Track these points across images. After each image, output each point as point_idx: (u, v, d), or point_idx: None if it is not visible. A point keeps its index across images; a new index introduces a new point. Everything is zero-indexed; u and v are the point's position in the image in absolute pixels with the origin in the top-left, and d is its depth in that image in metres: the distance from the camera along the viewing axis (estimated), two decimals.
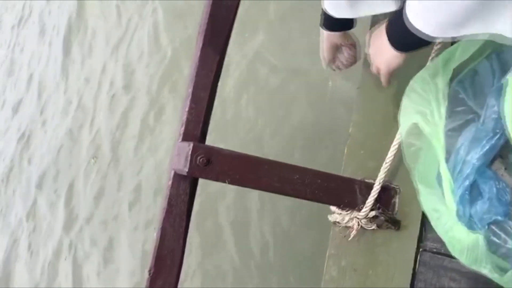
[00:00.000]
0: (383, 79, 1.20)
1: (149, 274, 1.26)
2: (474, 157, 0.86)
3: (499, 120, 0.86)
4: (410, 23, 0.90)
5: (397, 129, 1.37)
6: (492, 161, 0.91)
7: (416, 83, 1.00)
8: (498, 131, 0.87)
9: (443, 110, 0.97)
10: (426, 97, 0.96)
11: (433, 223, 1.00)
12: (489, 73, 0.97)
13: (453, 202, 0.90)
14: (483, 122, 0.90)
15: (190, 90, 1.29)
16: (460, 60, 0.99)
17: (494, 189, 0.83)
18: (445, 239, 0.94)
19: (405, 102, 1.04)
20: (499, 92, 0.85)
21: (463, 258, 0.89)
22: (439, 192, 0.97)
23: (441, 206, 0.96)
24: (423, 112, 0.96)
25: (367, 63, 1.53)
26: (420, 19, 0.88)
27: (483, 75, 0.98)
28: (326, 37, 1.38)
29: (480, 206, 0.84)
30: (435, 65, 1.01)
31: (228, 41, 1.32)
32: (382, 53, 1.12)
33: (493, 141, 0.87)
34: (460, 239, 0.88)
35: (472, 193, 0.86)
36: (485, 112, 0.90)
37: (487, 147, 0.87)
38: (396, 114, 1.38)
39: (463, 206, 0.86)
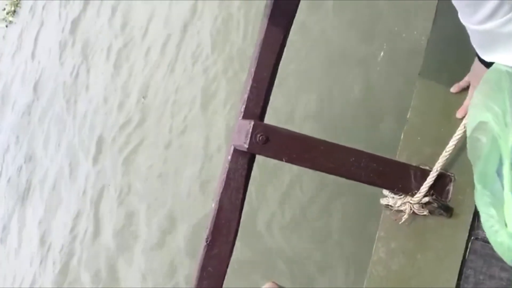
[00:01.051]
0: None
1: (206, 241, 1.34)
2: None
3: None
4: None
5: (457, 118, 1.38)
6: None
7: (491, 75, 0.99)
8: None
9: None
10: (499, 94, 0.95)
11: (482, 222, 1.00)
12: None
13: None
14: None
15: (253, 69, 1.33)
16: None
17: None
18: (490, 240, 0.95)
19: (477, 94, 1.03)
20: None
21: (507, 260, 0.90)
22: (495, 194, 0.96)
23: (492, 209, 0.96)
24: (494, 111, 0.94)
25: (429, 48, 1.53)
26: None
27: None
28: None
29: None
30: None
31: (292, 23, 1.34)
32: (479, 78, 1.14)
33: None
34: (502, 242, 0.89)
35: None
36: None
37: None
38: (457, 102, 1.38)
39: None
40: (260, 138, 1.24)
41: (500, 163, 0.94)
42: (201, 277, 1.32)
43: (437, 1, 1.62)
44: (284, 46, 1.34)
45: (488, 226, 0.92)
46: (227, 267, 1.36)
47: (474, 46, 1.07)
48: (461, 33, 1.42)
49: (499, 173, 0.94)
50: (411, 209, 1.33)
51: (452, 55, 1.46)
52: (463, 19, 1.03)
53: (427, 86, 1.48)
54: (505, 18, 0.92)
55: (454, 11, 1.50)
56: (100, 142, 4.87)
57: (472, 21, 0.99)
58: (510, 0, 0.91)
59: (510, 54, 0.98)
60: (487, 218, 0.93)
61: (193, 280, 1.35)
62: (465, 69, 1.36)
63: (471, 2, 0.95)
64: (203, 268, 1.33)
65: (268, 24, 1.32)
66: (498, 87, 0.95)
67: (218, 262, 1.34)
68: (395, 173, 1.32)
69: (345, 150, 1.30)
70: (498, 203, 0.94)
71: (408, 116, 1.49)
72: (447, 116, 1.38)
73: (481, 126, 0.98)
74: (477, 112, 0.99)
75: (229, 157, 1.33)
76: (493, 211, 0.93)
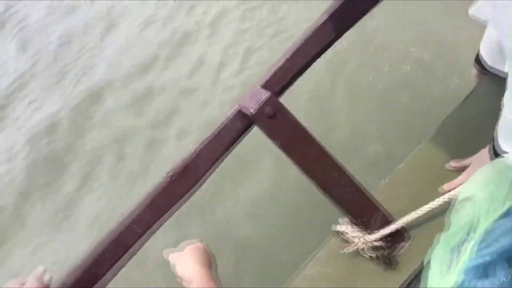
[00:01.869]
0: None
1: (169, 177, 1.34)
2: (507, 241, 0.89)
3: None
4: None
5: (442, 189, 1.42)
6: None
7: (499, 163, 1.03)
8: None
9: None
10: (501, 180, 0.99)
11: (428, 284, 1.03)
12: None
13: (463, 272, 0.94)
14: None
15: (290, 52, 1.35)
16: None
17: (509, 277, 0.87)
18: None
19: (480, 173, 1.06)
20: None
21: None
22: (449, 262, 1.00)
23: (440, 276, 0.99)
24: (491, 193, 0.98)
25: (448, 120, 1.57)
26: None
27: None
28: None
29: (489, 284, 0.88)
30: None
31: (348, 28, 1.36)
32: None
33: None
34: None
35: (486, 270, 0.90)
36: None
37: None
38: (450, 175, 1.42)
39: (472, 278, 0.90)
40: (269, 111, 1.25)
41: (468, 240, 0.98)
42: (147, 205, 1.32)
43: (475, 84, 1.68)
44: (331, 45, 1.36)
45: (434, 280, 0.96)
46: (175, 210, 1.37)
47: (500, 133, 1.10)
48: (484, 119, 1.48)
49: (461, 247, 0.98)
50: (362, 244, 1.36)
51: (466, 135, 1.51)
52: (508, 105, 1.05)
53: (429, 149, 1.52)
54: None
55: (487, 98, 1.55)
56: None
57: None
58: None
59: None
60: (434, 274, 0.96)
61: (136, 204, 1.35)
62: (472, 153, 1.40)
63: None
64: (154, 199, 1.33)
65: (327, 18, 1.33)
66: (502, 174, 0.99)
67: (169, 200, 1.34)
68: (366, 206, 1.35)
69: (333, 164, 1.33)
70: (447, 272, 0.97)
71: (399, 166, 1.53)
72: (435, 183, 1.42)
73: (472, 198, 1.01)
74: (475, 185, 1.02)
75: (230, 114, 1.34)
76: (439, 278, 0.96)
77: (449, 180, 1.41)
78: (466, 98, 1.61)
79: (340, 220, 1.47)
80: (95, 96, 4.58)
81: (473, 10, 1.42)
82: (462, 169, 1.42)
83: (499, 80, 1.44)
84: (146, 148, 3.89)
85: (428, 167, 1.49)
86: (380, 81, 3.28)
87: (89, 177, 3.89)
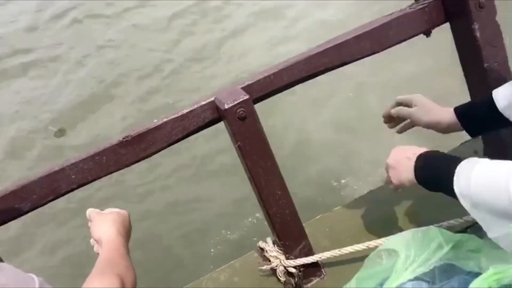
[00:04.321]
0: (391, 187, 1.25)
1: (122, 138, 1.33)
2: None
3: None
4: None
5: (363, 240, 1.49)
6: None
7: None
8: None
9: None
10: (424, 242, 1.06)
11: None
12: None
13: None
14: None
15: (280, 67, 1.39)
16: None
17: None
18: None
19: (408, 232, 1.14)
20: None
21: None
22: None
23: None
24: (411, 252, 1.06)
25: None
26: None
27: None
28: None
29: None
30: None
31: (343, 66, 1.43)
32: (400, 172, 1.16)
33: None
34: None
35: None
36: None
37: None
38: (375, 228, 1.50)
39: None
40: (241, 112, 1.28)
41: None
42: (91, 156, 1.31)
43: None
44: (319, 75, 1.42)
45: None
46: (115, 171, 1.36)
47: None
48: None
49: None
50: (278, 266, 1.41)
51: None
52: None
53: (367, 200, 1.61)
54: None
55: None
56: None
57: None
58: None
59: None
60: None
61: (82, 155, 1.33)
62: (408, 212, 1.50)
63: None
64: (100, 154, 1.32)
65: (325, 50, 1.40)
66: (426, 241, 1.08)
67: (114, 160, 1.33)
68: (294, 231, 1.41)
69: (280, 183, 1.37)
70: None
71: (336, 208, 1.61)
72: (363, 230, 1.50)
73: (391, 252, 1.09)
74: (399, 242, 1.10)
75: (202, 102, 1.36)
76: None
77: (376, 234, 1.48)
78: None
79: (267, 239, 1.52)
80: None
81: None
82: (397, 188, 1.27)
83: None
84: None
85: (361, 216, 1.57)
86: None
87: None
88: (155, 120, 1.36)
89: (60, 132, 4.08)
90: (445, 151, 1.10)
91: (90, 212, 1.19)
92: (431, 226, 1.18)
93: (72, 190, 1.34)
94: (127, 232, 1.14)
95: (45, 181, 1.30)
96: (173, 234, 3.03)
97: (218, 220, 2.98)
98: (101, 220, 1.13)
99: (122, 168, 1.38)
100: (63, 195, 1.33)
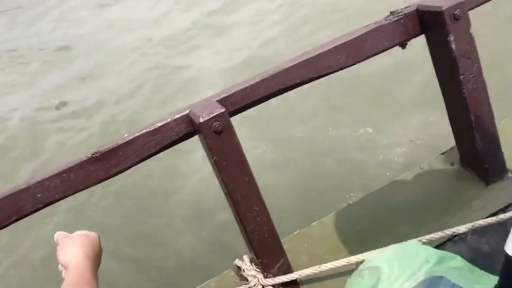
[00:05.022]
0: None
1: (91, 154, 1.27)
2: None
3: None
4: None
5: (346, 252, 1.46)
6: None
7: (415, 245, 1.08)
8: None
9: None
10: (411, 260, 1.04)
11: None
12: None
13: None
14: None
15: (257, 79, 1.35)
16: None
17: None
18: None
19: (393, 248, 1.11)
20: None
21: None
22: None
23: None
24: (394, 269, 1.03)
25: None
26: None
27: None
28: None
29: None
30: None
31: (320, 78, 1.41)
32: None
33: None
34: None
35: None
36: None
37: None
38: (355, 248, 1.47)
39: None
40: (217, 126, 1.23)
41: None
42: (57, 174, 1.24)
43: None
44: (296, 87, 1.39)
45: None
46: (84, 189, 1.30)
47: None
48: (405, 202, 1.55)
49: None
50: (256, 285, 1.35)
51: (381, 210, 1.57)
52: None
53: (346, 215, 1.58)
54: None
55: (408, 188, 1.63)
56: None
57: None
58: None
59: None
60: None
61: (49, 172, 1.26)
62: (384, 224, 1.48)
63: None
64: (67, 171, 1.25)
65: (301, 62, 1.37)
66: (409, 257, 1.05)
67: (83, 177, 1.27)
68: (272, 249, 1.36)
69: (258, 198, 1.32)
70: None
71: (314, 223, 1.57)
72: (342, 246, 1.47)
73: (372, 270, 1.06)
74: (382, 259, 1.07)
75: (176, 115, 1.31)
76: None
77: (355, 248, 1.45)
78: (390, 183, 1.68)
79: (244, 256, 1.46)
80: None
81: None
82: None
83: None
84: None
85: (339, 230, 1.53)
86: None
87: None
88: (126, 135, 1.30)
89: None
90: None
91: (58, 235, 1.13)
92: (412, 241, 1.15)
93: (37, 210, 1.26)
94: (96, 254, 1.07)
95: (8, 201, 1.22)
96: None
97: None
98: (68, 244, 1.06)
99: (92, 186, 1.31)
100: (27, 215, 1.25)
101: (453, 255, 1.10)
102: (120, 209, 3.30)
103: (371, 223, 1.52)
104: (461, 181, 1.56)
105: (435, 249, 1.09)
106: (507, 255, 0.70)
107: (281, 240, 1.42)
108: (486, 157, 1.50)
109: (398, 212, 1.51)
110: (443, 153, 1.66)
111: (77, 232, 1.13)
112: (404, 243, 1.11)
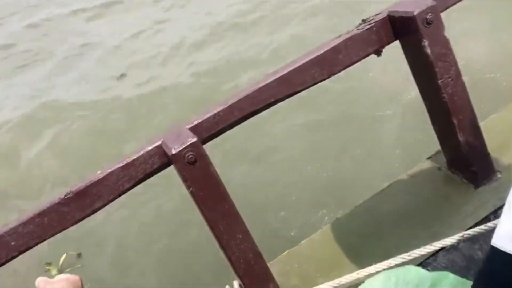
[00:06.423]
0: None
1: (64, 196, 1.23)
2: None
3: None
4: None
5: (335, 273, 1.41)
6: None
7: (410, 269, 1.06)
8: None
9: None
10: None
11: None
12: None
13: None
14: None
15: (228, 102, 1.31)
16: None
17: None
18: None
19: (390, 272, 1.08)
20: None
21: None
22: None
23: None
24: None
25: None
26: None
27: None
28: None
29: None
30: None
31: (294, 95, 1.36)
32: None
33: None
34: None
35: None
36: None
37: None
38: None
39: None
40: (190, 156, 1.19)
41: None
42: (30, 218, 1.20)
43: None
44: (269, 107, 1.35)
45: None
46: (61, 231, 1.25)
47: None
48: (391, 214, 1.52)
49: None
50: None
51: (366, 227, 1.53)
52: None
53: (333, 232, 1.54)
54: None
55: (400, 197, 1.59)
56: None
57: None
58: None
59: None
60: None
61: (21, 217, 1.22)
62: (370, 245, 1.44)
63: None
64: (40, 214, 1.21)
65: (273, 81, 1.33)
66: (402, 277, 1.02)
67: (57, 219, 1.22)
68: (260, 275, 1.32)
69: (240, 226, 1.29)
70: None
71: (303, 241, 1.53)
72: (330, 266, 1.43)
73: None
74: (378, 282, 1.04)
75: (149, 147, 1.27)
76: None
77: (346, 266, 1.41)
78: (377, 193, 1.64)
79: (234, 282, 1.43)
80: None
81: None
82: None
83: None
84: None
85: (329, 248, 1.49)
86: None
87: None
88: (99, 172, 1.26)
89: None
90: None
91: (39, 281, 1.09)
92: (406, 266, 1.12)
93: (12, 258, 1.22)
94: None
95: None
96: None
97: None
98: None
99: (69, 227, 1.27)
100: (2, 265, 1.21)
101: (445, 273, 1.06)
102: None
103: (361, 238, 1.48)
104: (450, 186, 1.52)
105: (427, 271, 1.06)
106: (493, 247, 0.66)
107: (270, 263, 1.38)
108: (473, 159, 1.46)
109: (387, 225, 1.47)
110: (429, 158, 1.62)
111: (58, 277, 1.10)
112: (396, 269, 1.08)
